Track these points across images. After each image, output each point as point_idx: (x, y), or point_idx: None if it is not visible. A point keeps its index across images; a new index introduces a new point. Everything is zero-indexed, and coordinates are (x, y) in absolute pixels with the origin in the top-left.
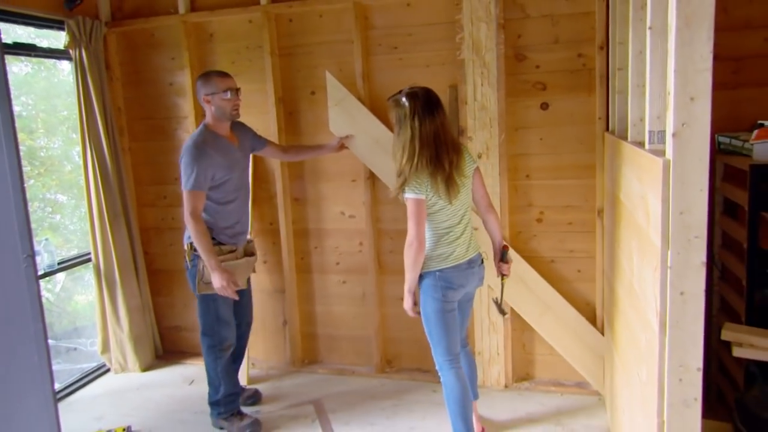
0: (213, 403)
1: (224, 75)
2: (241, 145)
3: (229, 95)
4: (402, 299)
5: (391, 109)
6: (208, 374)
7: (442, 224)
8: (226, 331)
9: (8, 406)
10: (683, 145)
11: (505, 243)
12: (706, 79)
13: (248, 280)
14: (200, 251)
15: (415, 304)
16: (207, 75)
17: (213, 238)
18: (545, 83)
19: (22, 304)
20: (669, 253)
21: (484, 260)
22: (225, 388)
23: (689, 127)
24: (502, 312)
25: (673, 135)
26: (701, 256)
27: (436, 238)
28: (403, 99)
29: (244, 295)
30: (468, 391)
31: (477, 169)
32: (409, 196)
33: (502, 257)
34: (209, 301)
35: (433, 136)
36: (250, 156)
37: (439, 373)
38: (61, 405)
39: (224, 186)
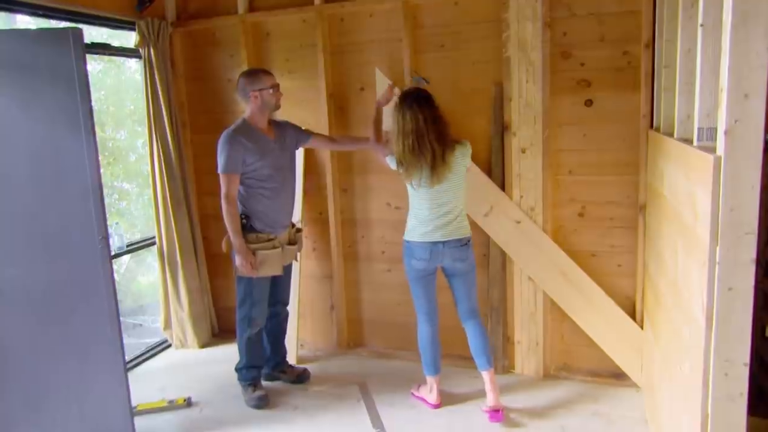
0: (236, 369)
1: (269, 72)
2: (279, 139)
3: (272, 90)
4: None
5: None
6: (238, 343)
7: (411, 202)
8: (255, 311)
9: (86, 375)
10: (735, 142)
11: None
12: (761, 76)
13: (290, 266)
14: (229, 231)
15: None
16: (254, 73)
17: (251, 225)
18: (590, 80)
19: (98, 283)
20: (717, 249)
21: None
22: (245, 359)
23: (742, 124)
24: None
25: (725, 132)
26: (751, 252)
27: (410, 212)
28: (396, 97)
29: (282, 278)
30: (435, 337)
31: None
32: (389, 161)
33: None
34: (246, 280)
35: (414, 128)
36: (295, 153)
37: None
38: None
39: (256, 173)
